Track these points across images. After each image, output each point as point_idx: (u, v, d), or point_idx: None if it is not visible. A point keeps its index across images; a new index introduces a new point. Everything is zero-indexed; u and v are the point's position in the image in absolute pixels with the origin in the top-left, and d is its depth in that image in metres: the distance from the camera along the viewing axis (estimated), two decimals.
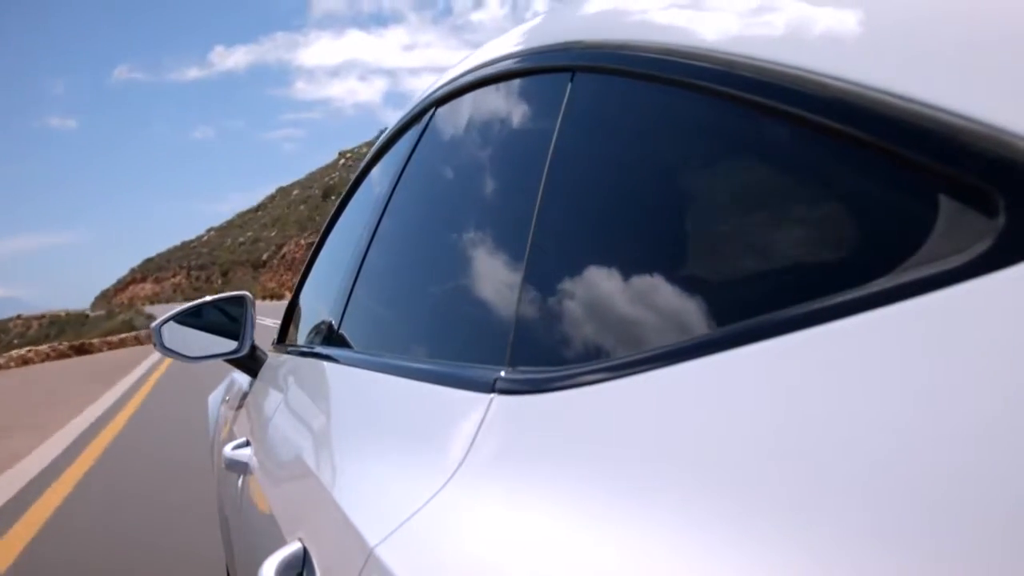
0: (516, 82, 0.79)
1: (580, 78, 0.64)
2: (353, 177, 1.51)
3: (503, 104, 0.84)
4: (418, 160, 1.07)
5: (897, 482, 0.28)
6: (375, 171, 1.37)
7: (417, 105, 1.12)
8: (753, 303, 0.40)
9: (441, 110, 1.02)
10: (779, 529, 0.32)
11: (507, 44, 0.83)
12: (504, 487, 0.52)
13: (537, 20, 0.81)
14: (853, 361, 0.31)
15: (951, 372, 0.28)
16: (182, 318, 1.66)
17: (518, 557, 0.46)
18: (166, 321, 1.64)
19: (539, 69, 0.73)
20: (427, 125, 1.06)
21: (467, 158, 0.93)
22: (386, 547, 0.55)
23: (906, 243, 0.32)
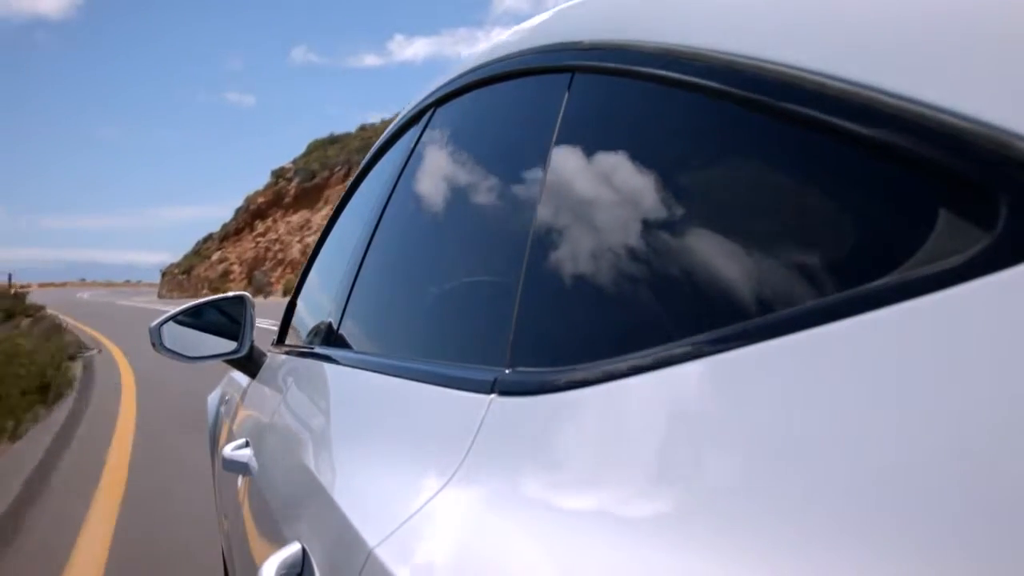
0: (516, 82, 0.79)
1: (580, 78, 0.64)
2: (353, 177, 1.51)
3: (503, 104, 0.84)
4: (418, 160, 1.07)
5: (896, 481, 0.28)
6: (375, 171, 1.37)
7: (417, 105, 1.12)
8: (753, 303, 0.40)
9: (441, 110, 1.02)
10: (780, 530, 0.32)
11: (507, 44, 0.83)
12: (504, 488, 0.51)
13: (537, 20, 0.81)
14: (854, 361, 0.31)
15: (951, 372, 0.28)
16: (181, 318, 1.65)
17: (517, 557, 0.46)
18: (165, 321, 1.63)
19: (539, 69, 0.73)
20: (427, 125, 1.06)
21: (467, 158, 0.93)
22: (386, 547, 0.55)
23: (906, 243, 0.32)
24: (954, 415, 0.27)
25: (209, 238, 49.47)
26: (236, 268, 41.85)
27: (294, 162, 44.71)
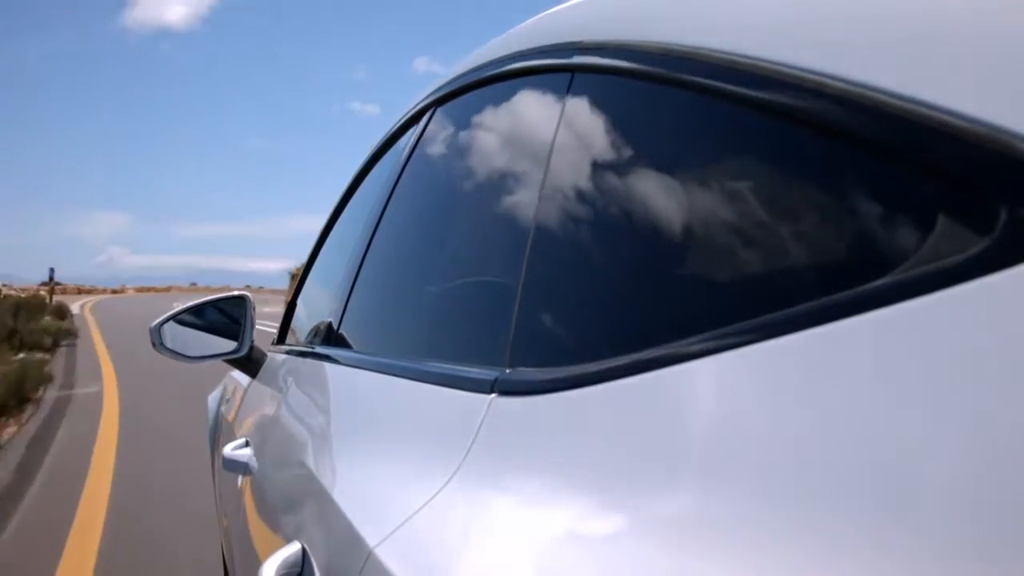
0: (516, 82, 0.79)
1: (580, 78, 0.64)
2: (352, 176, 1.51)
3: (503, 104, 0.84)
4: (418, 160, 1.07)
5: (895, 481, 0.28)
6: (374, 171, 1.37)
7: (417, 105, 1.12)
8: (753, 303, 0.40)
9: (441, 110, 1.02)
10: (781, 530, 0.32)
11: (507, 44, 0.83)
12: (503, 487, 0.52)
13: (537, 20, 0.81)
14: (853, 361, 0.31)
15: (951, 372, 0.28)
16: (181, 318, 1.66)
17: (517, 557, 0.46)
18: (165, 321, 1.64)
19: (539, 69, 0.73)
20: (427, 125, 1.06)
21: (467, 158, 0.93)
22: (385, 547, 0.55)
23: (906, 243, 0.32)
24: (954, 415, 0.27)
25: None
26: None
27: None
